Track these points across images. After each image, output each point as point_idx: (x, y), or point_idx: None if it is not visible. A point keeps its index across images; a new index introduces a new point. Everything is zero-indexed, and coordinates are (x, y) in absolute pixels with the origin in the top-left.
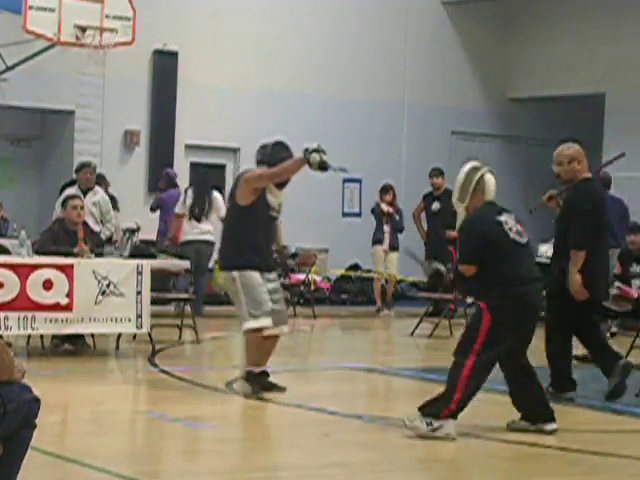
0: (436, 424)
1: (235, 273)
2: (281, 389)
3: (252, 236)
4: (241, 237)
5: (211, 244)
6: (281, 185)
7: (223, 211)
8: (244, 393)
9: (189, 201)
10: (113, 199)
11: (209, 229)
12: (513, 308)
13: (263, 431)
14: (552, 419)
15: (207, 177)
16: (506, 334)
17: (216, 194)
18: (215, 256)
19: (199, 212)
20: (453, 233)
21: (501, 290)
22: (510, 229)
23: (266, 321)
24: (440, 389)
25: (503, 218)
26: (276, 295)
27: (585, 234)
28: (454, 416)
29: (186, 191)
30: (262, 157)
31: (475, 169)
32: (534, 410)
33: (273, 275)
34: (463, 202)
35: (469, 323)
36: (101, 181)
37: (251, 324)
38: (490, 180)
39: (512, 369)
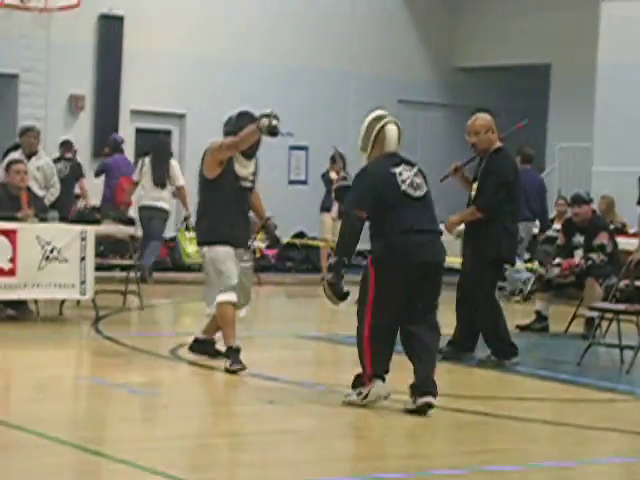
0: (364, 390)
1: (205, 248)
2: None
3: (223, 209)
4: (212, 211)
5: (164, 211)
6: (248, 155)
7: (180, 180)
8: (225, 368)
9: (146, 169)
10: (79, 166)
11: (163, 196)
12: (393, 259)
13: (208, 398)
14: (426, 394)
15: (167, 145)
16: (394, 286)
17: (173, 162)
18: (177, 226)
19: (160, 180)
20: None
21: (383, 241)
22: (404, 181)
23: (232, 295)
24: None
25: (398, 170)
26: (245, 277)
27: (495, 202)
28: (377, 376)
29: (142, 158)
30: (227, 128)
31: (378, 119)
32: (414, 382)
33: (247, 256)
34: (365, 151)
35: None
36: (68, 148)
37: (219, 298)
38: (391, 131)
39: (401, 333)
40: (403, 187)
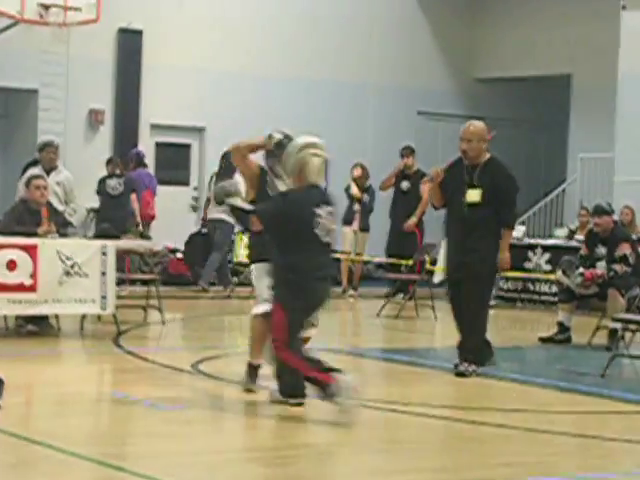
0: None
1: (252, 266)
2: None
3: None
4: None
5: (226, 223)
6: (280, 175)
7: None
8: (240, 384)
9: (212, 184)
10: (131, 180)
11: (221, 209)
12: (301, 302)
13: (228, 412)
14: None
15: (228, 161)
16: (302, 318)
17: (237, 177)
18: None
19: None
20: (412, 223)
21: (294, 287)
22: (319, 223)
23: (263, 307)
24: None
25: (320, 211)
26: None
27: (515, 213)
28: (333, 370)
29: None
30: None
31: (303, 147)
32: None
33: None
34: (289, 176)
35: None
36: (115, 164)
37: (252, 311)
38: (314, 163)
39: None
40: (317, 230)
